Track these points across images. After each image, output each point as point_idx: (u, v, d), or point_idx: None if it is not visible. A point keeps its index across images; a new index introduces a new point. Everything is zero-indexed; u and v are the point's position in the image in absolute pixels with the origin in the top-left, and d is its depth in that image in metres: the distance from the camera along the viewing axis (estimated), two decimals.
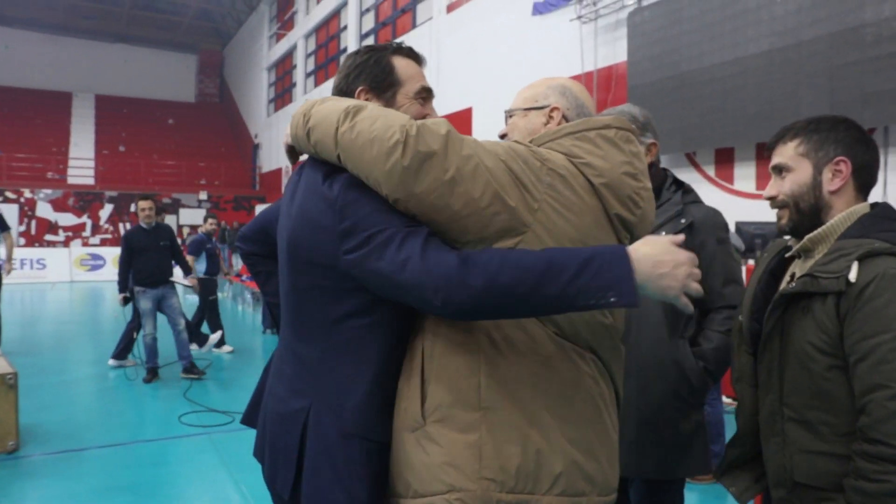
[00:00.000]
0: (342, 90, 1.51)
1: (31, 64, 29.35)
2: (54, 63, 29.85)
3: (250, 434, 5.42)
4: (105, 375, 7.34)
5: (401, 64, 1.52)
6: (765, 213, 7.29)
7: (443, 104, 13.75)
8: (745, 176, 7.77)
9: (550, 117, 1.52)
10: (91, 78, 30.42)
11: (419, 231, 1.22)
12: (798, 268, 1.63)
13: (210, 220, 9.22)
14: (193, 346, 7.93)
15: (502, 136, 1.66)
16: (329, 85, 19.88)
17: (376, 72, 1.49)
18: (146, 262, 6.99)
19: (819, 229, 1.55)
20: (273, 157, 25.56)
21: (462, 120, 13.16)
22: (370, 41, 17.82)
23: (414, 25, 15.59)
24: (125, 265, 7.01)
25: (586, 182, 1.31)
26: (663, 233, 2.09)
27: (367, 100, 1.48)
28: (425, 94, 1.54)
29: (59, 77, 29.62)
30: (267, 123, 26.42)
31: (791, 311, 1.52)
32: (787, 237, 1.68)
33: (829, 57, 6.50)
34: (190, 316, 8.24)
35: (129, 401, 6.32)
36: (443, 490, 1.22)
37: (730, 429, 4.74)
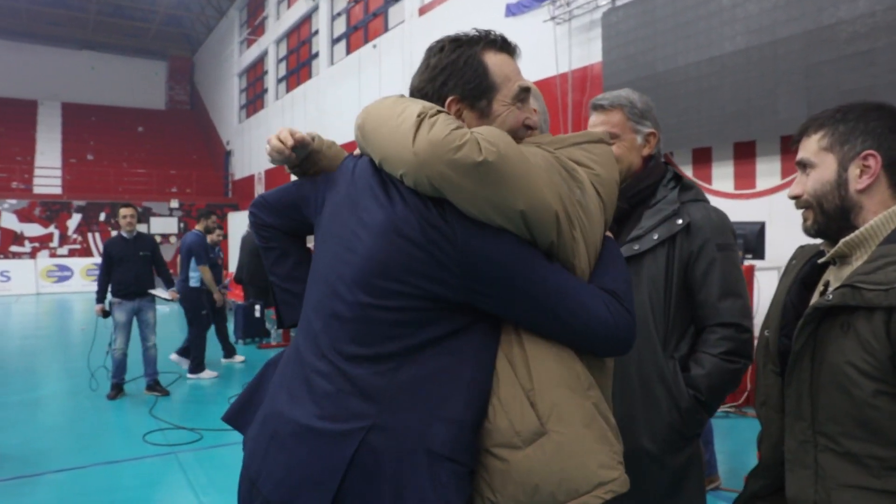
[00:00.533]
0: (426, 95, 1.32)
1: None
2: (19, 70, 29.12)
3: (220, 452, 5.25)
4: (69, 392, 7.04)
5: (494, 62, 1.32)
6: (744, 213, 7.27)
7: None
8: (723, 175, 7.70)
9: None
10: (57, 85, 29.74)
11: (569, 277, 1.25)
12: (833, 276, 1.44)
13: (213, 218, 8.33)
14: (207, 374, 7.67)
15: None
16: (303, 90, 19.66)
17: (468, 75, 1.29)
18: (125, 273, 6.71)
19: (856, 232, 1.36)
20: (245, 164, 25.18)
21: None
22: (342, 46, 17.64)
23: (386, 29, 15.41)
24: (104, 275, 6.75)
25: (594, 190, 1.34)
26: (656, 236, 1.88)
27: (457, 111, 1.30)
28: (524, 96, 1.36)
29: (23, 85, 28.90)
30: (239, 130, 26.04)
31: (826, 326, 1.32)
32: (818, 240, 1.51)
33: (805, 55, 6.44)
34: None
35: (92, 420, 6.05)
36: (591, 487, 1.19)
37: (721, 434, 4.63)
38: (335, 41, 18.13)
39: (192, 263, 7.75)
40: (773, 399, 1.50)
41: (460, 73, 1.29)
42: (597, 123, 2.01)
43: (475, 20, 11.84)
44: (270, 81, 22.70)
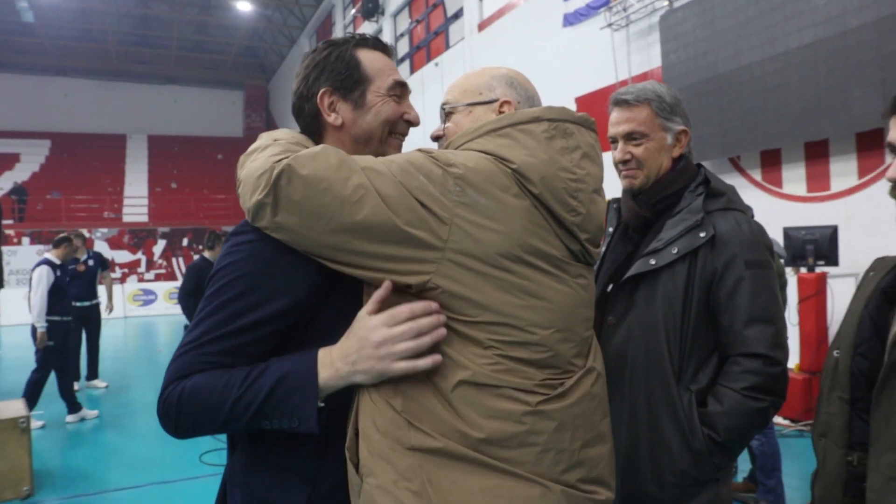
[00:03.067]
0: (302, 94, 1.33)
1: (88, 110, 30.44)
2: (109, 107, 30.90)
3: None
4: (133, 411, 7.27)
5: (367, 58, 1.33)
6: (819, 217, 6.81)
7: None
8: (794, 178, 7.25)
9: (501, 112, 1.32)
10: (143, 119, 31.37)
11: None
12: None
13: None
14: None
15: (436, 139, 1.45)
16: None
17: (339, 69, 1.31)
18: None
19: None
20: None
21: None
22: (405, 66, 17.82)
23: (447, 46, 15.48)
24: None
25: (511, 181, 1.14)
26: (675, 250, 1.64)
27: (331, 102, 1.31)
28: (400, 90, 1.36)
29: (113, 120, 30.63)
30: None
31: None
32: None
33: (878, 44, 5.99)
34: None
35: (152, 438, 6.20)
36: None
37: (788, 457, 4.25)
38: (399, 61, 18.35)
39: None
40: (837, 431, 1.28)
41: (332, 67, 1.31)
42: (620, 121, 1.79)
43: (533, 32, 11.74)
44: None
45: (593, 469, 1.19)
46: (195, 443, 5.92)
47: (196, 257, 7.98)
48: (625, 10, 9.35)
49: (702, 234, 1.64)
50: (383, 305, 1.13)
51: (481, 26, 13.71)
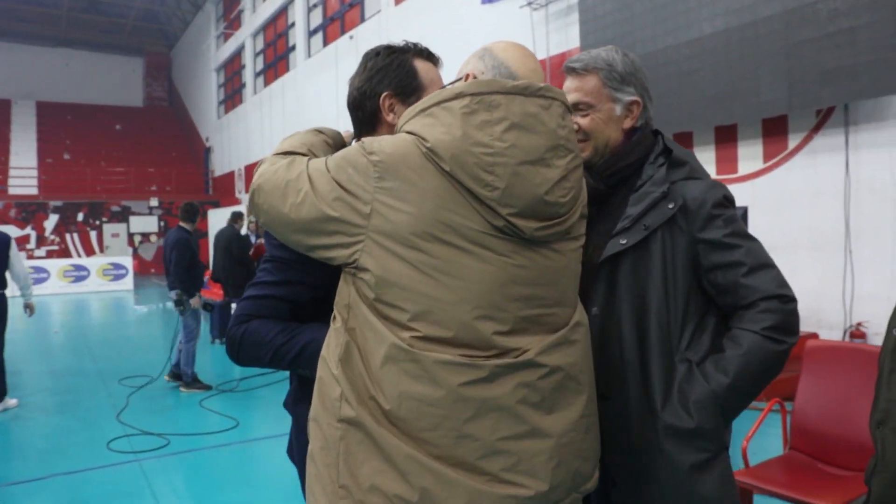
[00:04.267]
0: (365, 93, 1.49)
1: None
2: None
3: (186, 459, 5.06)
4: (39, 400, 6.78)
5: (422, 67, 1.51)
6: None
7: None
8: (704, 161, 7.52)
9: None
10: (31, 84, 29.19)
11: (255, 287, 1.44)
12: None
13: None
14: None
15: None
16: (280, 84, 19.33)
17: (401, 76, 1.48)
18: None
19: None
20: (226, 161, 24.83)
21: None
22: (318, 38, 17.32)
23: (363, 20, 15.13)
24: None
25: (425, 159, 1.20)
26: (645, 225, 1.56)
27: (390, 105, 1.48)
28: None
29: None
30: (218, 126, 25.67)
31: None
32: None
33: (785, 35, 6.27)
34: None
35: (52, 428, 5.80)
36: None
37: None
38: (312, 33, 17.83)
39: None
40: None
41: (394, 73, 1.48)
42: (569, 90, 1.70)
43: (452, 8, 11.63)
44: (248, 76, 22.35)
45: (522, 461, 1.19)
46: (101, 430, 5.61)
47: (173, 230, 7.37)
48: None
49: (670, 206, 1.57)
50: None
51: (398, 0, 13.46)
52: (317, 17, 17.57)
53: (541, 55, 9.57)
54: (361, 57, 1.56)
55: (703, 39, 7.02)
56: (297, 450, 1.50)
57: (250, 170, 21.81)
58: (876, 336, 5.87)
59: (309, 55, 17.77)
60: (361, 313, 1.22)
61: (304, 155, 1.39)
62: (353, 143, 1.44)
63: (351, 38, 15.19)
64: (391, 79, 1.47)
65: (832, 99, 5.98)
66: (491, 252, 1.19)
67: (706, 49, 7.00)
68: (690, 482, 1.49)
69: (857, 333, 6.03)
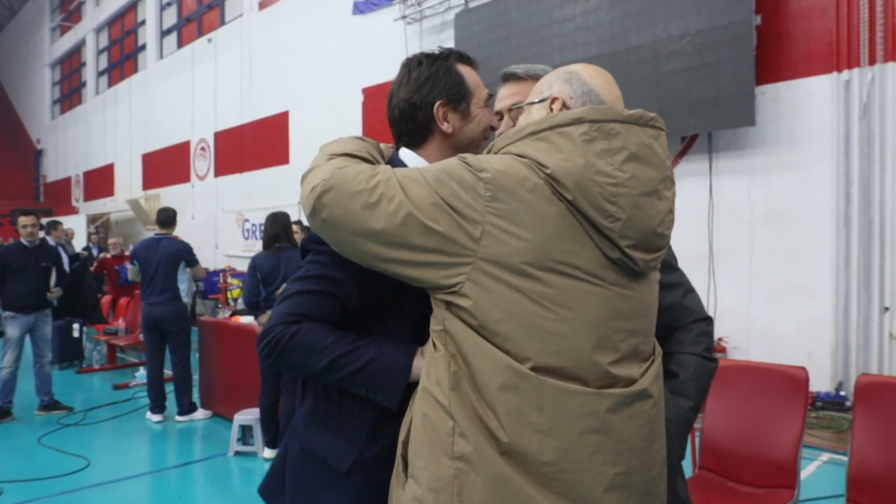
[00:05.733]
0: (416, 104, 1.42)
1: None
2: None
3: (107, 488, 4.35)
4: None
5: (466, 71, 1.47)
6: None
7: (257, 108, 12.77)
8: None
9: (551, 109, 1.30)
10: None
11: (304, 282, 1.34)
12: None
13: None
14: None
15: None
16: (127, 85, 17.93)
17: (449, 83, 1.44)
18: (22, 284, 6.10)
19: None
20: (61, 165, 22.60)
21: (277, 125, 12.26)
22: (172, 38, 16.26)
23: (223, 22, 14.34)
24: None
25: (541, 184, 1.13)
26: None
27: (444, 114, 1.43)
28: (491, 101, 1.54)
29: None
30: (52, 127, 23.33)
31: None
32: None
33: (655, 64, 6.57)
34: None
35: None
36: None
37: None
38: (165, 33, 16.69)
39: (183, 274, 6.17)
40: None
41: (443, 81, 1.43)
42: (507, 95, 1.71)
43: (321, 16, 11.30)
44: (89, 74, 20.54)
45: (632, 497, 1.16)
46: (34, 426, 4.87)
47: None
48: (419, 4, 9.31)
49: None
50: None
51: (262, 4, 12.89)
52: (171, 17, 16.47)
53: None
54: (405, 65, 1.48)
55: (576, 64, 7.22)
56: (291, 483, 1.40)
57: (91, 176, 20.03)
58: (735, 350, 6.25)
59: (161, 56, 16.61)
60: (468, 338, 1.14)
61: (368, 161, 1.31)
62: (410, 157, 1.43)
63: (209, 41, 14.35)
64: (441, 87, 1.43)
65: (697, 127, 6.32)
66: (603, 282, 1.16)
67: None
68: None
69: (718, 349, 6.39)
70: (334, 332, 1.30)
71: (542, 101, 1.32)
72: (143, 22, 17.45)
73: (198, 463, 4.84)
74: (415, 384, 1.26)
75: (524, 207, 1.11)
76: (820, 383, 5.72)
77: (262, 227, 5.01)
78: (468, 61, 1.50)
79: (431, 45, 9.31)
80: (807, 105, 5.91)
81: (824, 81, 5.81)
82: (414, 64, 1.46)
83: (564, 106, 1.28)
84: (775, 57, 6.04)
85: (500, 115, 1.74)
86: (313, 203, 1.21)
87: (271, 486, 1.48)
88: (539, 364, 1.11)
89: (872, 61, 5.52)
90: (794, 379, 2.82)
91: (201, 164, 14.61)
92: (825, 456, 4.64)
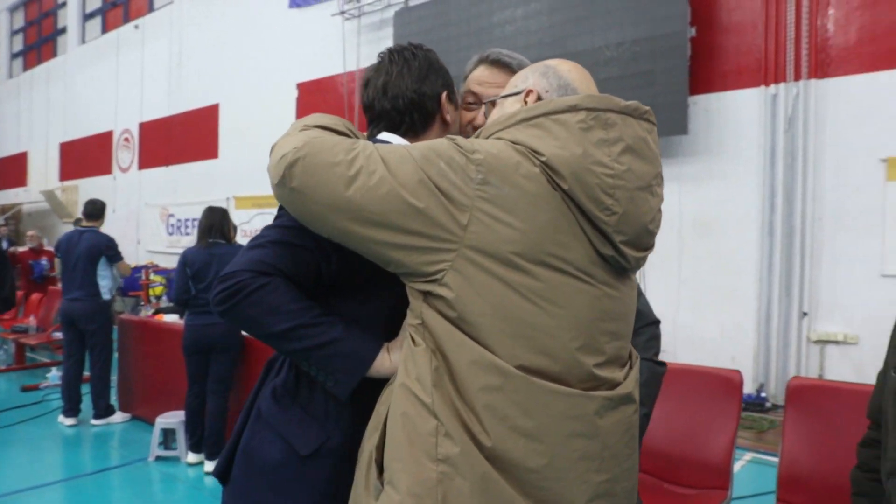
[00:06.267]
0: (425, 94, 1.39)
1: None
2: None
3: None
4: None
5: (446, 67, 1.48)
6: None
7: (186, 99, 12.33)
8: None
9: (525, 102, 1.25)
10: None
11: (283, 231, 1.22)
12: None
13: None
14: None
15: (470, 122, 1.57)
16: (45, 70, 17.02)
17: (446, 74, 1.46)
18: None
19: None
20: None
21: (207, 117, 11.87)
22: (96, 23, 15.53)
23: (151, 9, 13.77)
24: None
25: (537, 172, 1.06)
26: None
27: (446, 104, 1.43)
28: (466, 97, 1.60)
29: None
30: None
31: None
32: None
33: (593, 70, 6.52)
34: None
35: None
36: None
37: None
38: (87, 17, 15.92)
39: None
40: None
41: (440, 71, 1.44)
42: (500, 82, 1.56)
43: (254, 9, 11.02)
44: (2, 56, 19.38)
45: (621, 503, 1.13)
46: None
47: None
48: (358, 0, 9.19)
49: None
50: None
51: None
52: (95, 0, 15.74)
53: (351, 66, 9.36)
54: (391, 55, 1.44)
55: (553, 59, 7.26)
56: (242, 464, 1.30)
57: (1, 164, 18.90)
58: (664, 354, 6.36)
59: (83, 41, 15.83)
60: (447, 332, 1.05)
61: (345, 136, 1.21)
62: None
63: (136, 27, 13.77)
64: (443, 78, 1.44)
65: None
66: (593, 280, 1.10)
67: None
68: None
69: None
70: (305, 298, 1.19)
71: (515, 93, 1.27)
72: (64, 3, 16.60)
73: (115, 469, 4.57)
74: (373, 381, 1.18)
75: (517, 193, 1.04)
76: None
77: (189, 223, 4.78)
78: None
79: (370, 42, 9.20)
80: (736, 116, 6.11)
81: (753, 94, 6.02)
82: (409, 55, 1.43)
83: (539, 99, 1.22)
84: (708, 69, 6.22)
85: (472, 96, 1.63)
86: (283, 171, 1.11)
87: (225, 465, 1.38)
88: (524, 363, 1.04)
89: (798, 77, 5.75)
90: (728, 382, 2.87)
91: (125, 155, 14.00)
92: (748, 455, 4.78)
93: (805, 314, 5.70)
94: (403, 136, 1.40)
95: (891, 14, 5.41)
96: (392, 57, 1.43)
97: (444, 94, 1.41)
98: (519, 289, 1.03)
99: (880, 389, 1.34)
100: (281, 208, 1.26)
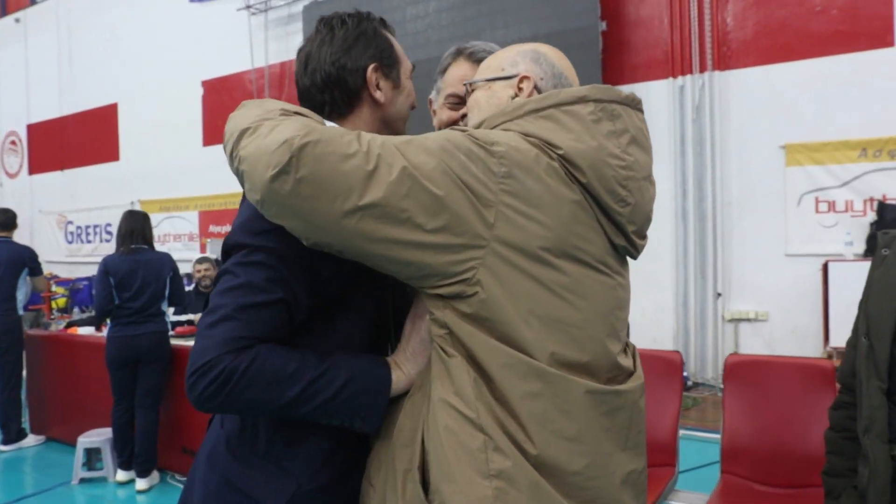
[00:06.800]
0: (345, 66, 1.23)
1: None
2: None
3: None
4: None
5: (391, 39, 1.32)
6: None
7: (80, 98, 11.63)
8: None
9: (520, 89, 1.21)
10: None
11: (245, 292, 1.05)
12: None
13: None
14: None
15: (455, 122, 1.44)
16: None
17: (381, 46, 1.28)
18: None
19: None
20: None
21: (105, 118, 11.25)
22: None
23: (33, 2, 12.89)
24: None
25: (555, 165, 1.04)
26: None
27: (376, 80, 1.26)
28: (412, 73, 1.38)
29: None
30: None
31: None
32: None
33: None
34: None
35: None
36: None
37: None
38: None
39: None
40: (879, 425, 1.24)
41: (373, 43, 1.27)
42: (468, 76, 1.48)
43: (152, 2, 10.51)
44: None
45: (642, 492, 1.15)
46: None
47: None
48: None
49: None
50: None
51: None
52: None
53: (259, 62, 9.12)
54: (318, 25, 1.29)
55: (431, 61, 7.26)
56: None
57: None
58: None
59: None
60: (480, 340, 1.00)
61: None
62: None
63: (17, 21, 12.85)
64: (373, 49, 1.25)
65: None
66: (609, 270, 1.09)
67: (434, 70, 7.26)
68: None
69: None
70: (292, 352, 1.07)
71: (507, 77, 1.22)
72: None
73: (35, 496, 4.28)
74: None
75: (541, 188, 1.01)
76: None
77: (91, 230, 4.54)
78: (389, 28, 1.33)
79: (278, 37, 8.98)
80: (647, 107, 6.19)
81: (662, 86, 6.29)
82: (337, 22, 1.27)
83: (536, 88, 1.19)
84: (619, 61, 6.45)
85: (456, 98, 1.55)
86: (287, 156, 0.94)
87: None
88: (561, 360, 1.02)
89: (703, 69, 6.06)
90: (670, 363, 3.01)
91: (12, 159, 13.05)
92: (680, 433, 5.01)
93: (719, 295, 6.03)
94: (328, 118, 1.25)
95: (780, 10, 5.79)
96: (319, 27, 1.29)
97: (370, 67, 1.24)
98: (548, 284, 1.01)
99: (852, 356, 1.45)
100: (240, 240, 1.09)
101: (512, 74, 1.22)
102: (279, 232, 1.03)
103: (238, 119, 1.09)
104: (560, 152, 1.04)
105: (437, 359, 1.05)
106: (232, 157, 1.06)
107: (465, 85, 1.33)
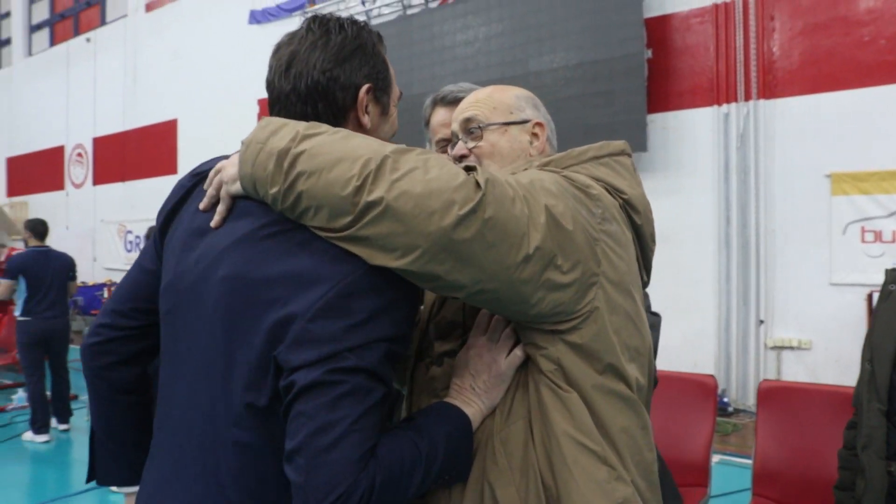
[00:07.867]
0: (337, 79, 1.07)
1: None
2: None
3: None
4: None
5: (387, 59, 1.16)
6: None
7: (142, 114, 12.18)
8: None
9: (535, 135, 1.28)
10: None
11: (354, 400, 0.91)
12: None
13: None
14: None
15: (460, 158, 1.28)
16: None
17: (378, 65, 1.12)
18: None
19: None
20: None
21: (165, 133, 11.75)
22: (44, 35, 15.20)
23: (103, 22, 13.58)
24: None
25: (621, 210, 1.13)
26: None
27: (367, 103, 1.10)
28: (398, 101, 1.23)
29: None
30: None
31: None
32: None
33: (554, 90, 6.92)
34: None
35: None
36: None
37: None
38: (34, 28, 15.56)
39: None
40: (877, 442, 1.36)
41: (371, 60, 1.11)
42: (448, 120, 1.54)
43: (213, 23, 10.98)
44: None
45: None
46: None
47: None
48: None
49: None
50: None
51: (149, 6, 12.35)
52: (42, 11, 15.38)
53: None
54: (310, 24, 1.12)
55: (479, 85, 7.45)
56: None
57: None
58: None
59: (30, 53, 15.47)
60: (584, 373, 1.05)
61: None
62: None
63: (88, 40, 13.55)
64: (370, 68, 1.09)
65: None
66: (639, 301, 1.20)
67: None
68: None
69: None
70: (396, 434, 0.98)
71: (521, 122, 1.28)
72: (8, 14, 16.18)
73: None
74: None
75: (619, 229, 1.09)
76: None
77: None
78: (383, 42, 1.17)
79: None
80: (691, 134, 6.43)
81: (706, 113, 6.35)
82: (335, 26, 1.10)
83: (546, 137, 1.30)
84: (664, 88, 6.54)
85: (445, 142, 1.61)
86: (479, 194, 0.88)
87: None
88: (640, 386, 1.10)
89: (748, 97, 6.10)
90: (704, 386, 3.09)
91: (78, 171, 13.71)
92: (716, 458, 5.03)
93: (762, 322, 6.03)
94: None
95: (826, 40, 5.81)
96: (311, 25, 1.11)
97: (363, 87, 1.09)
98: (632, 316, 1.10)
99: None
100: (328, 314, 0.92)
101: (524, 119, 1.28)
102: (378, 321, 0.93)
103: (327, 149, 0.93)
104: (625, 197, 1.14)
105: (549, 394, 1.04)
106: (360, 203, 0.89)
107: (467, 124, 1.28)
